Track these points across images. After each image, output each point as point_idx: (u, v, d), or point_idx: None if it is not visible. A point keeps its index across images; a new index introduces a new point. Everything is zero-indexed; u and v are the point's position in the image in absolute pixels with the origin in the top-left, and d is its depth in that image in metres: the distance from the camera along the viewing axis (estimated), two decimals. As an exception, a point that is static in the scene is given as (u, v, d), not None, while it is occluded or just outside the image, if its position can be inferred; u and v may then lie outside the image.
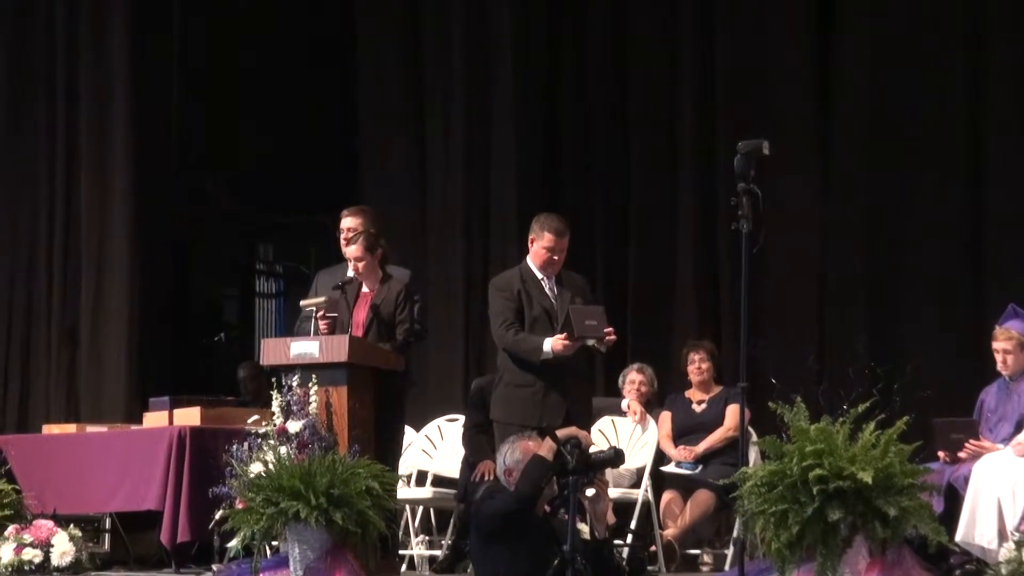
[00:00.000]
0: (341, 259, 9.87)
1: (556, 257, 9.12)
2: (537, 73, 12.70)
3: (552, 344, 8.93)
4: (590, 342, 9.01)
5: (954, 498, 8.56)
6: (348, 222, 9.79)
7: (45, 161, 13.30)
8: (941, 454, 8.85)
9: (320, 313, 9.36)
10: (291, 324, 10.34)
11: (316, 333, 9.31)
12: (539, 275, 9.16)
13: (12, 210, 13.40)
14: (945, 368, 10.64)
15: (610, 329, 8.99)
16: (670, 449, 10.31)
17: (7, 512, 9.29)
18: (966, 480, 8.56)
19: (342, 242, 9.78)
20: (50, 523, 9.15)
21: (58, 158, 13.24)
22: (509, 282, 9.21)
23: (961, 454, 8.75)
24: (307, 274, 10.37)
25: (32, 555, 9.02)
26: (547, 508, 7.70)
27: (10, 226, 13.40)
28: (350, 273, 9.59)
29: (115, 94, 13.02)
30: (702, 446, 10.22)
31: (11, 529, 9.11)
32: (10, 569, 8.94)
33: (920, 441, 7.37)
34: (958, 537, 8.35)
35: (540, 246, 9.14)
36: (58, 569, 9.03)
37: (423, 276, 12.31)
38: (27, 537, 9.06)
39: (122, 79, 13.00)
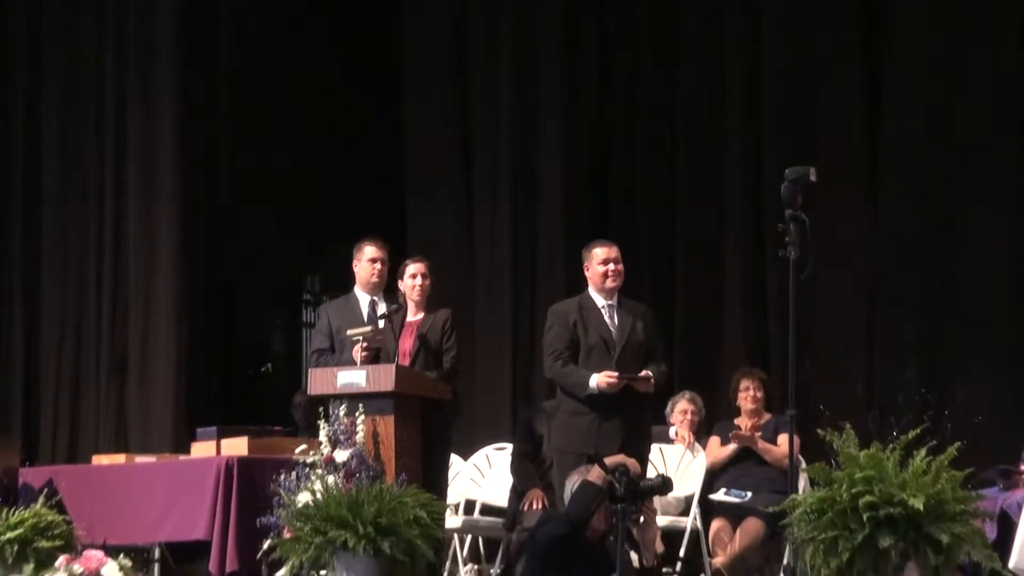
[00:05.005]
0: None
1: (612, 268, 9.15)
2: (584, 104, 12.73)
3: (598, 381, 8.96)
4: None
5: (1007, 525, 8.50)
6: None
7: (94, 197, 13.43)
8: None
9: (363, 343, 9.36)
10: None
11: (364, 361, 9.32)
12: (601, 302, 9.19)
13: (62, 245, 13.51)
14: (996, 394, 10.58)
15: (647, 373, 9.04)
16: (726, 449, 10.25)
17: (58, 542, 9.27)
18: (1019, 506, 8.50)
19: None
20: (100, 553, 9.12)
21: (107, 195, 13.36)
22: (566, 312, 9.24)
23: None
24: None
25: (82, 585, 9.03)
26: (599, 532, 7.68)
27: (60, 261, 13.51)
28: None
29: (161, 131, 13.14)
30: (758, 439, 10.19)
31: (61, 560, 9.10)
32: (60, 599, 8.95)
33: (972, 468, 7.31)
34: (1011, 564, 8.27)
35: (594, 264, 9.20)
36: (108, 599, 9.02)
37: (471, 303, 12.34)
38: (77, 567, 9.04)
39: (168, 116, 13.12)
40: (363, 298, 9.80)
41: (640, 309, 9.35)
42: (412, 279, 9.55)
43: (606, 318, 9.19)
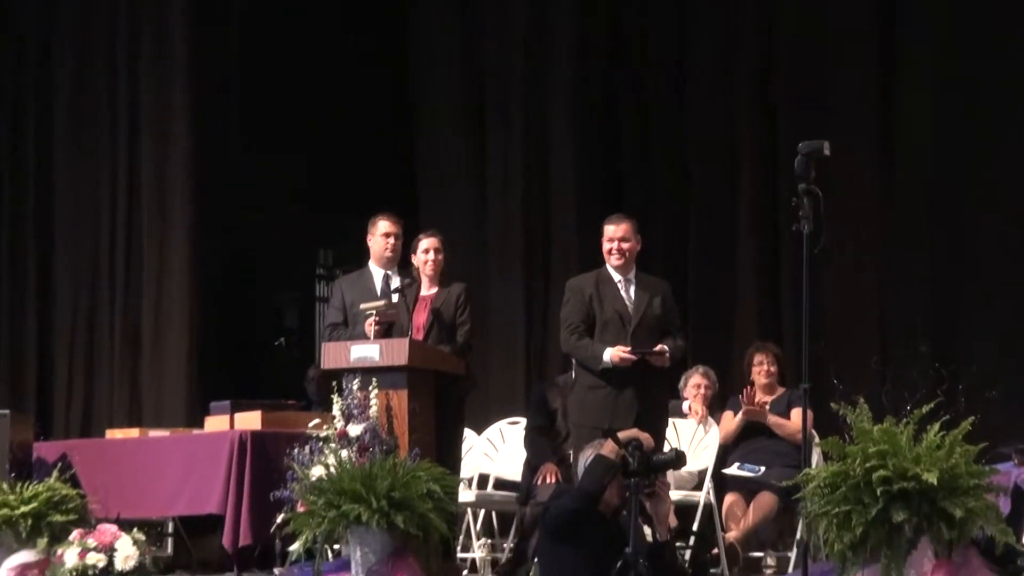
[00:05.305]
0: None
1: (619, 246, 9.13)
2: (596, 76, 12.72)
3: (611, 355, 8.94)
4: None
5: (1021, 499, 8.47)
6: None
7: (108, 171, 13.42)
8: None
9: (376, 317, 9.36)
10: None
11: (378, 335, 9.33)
12: (616, 277, 9.18)
13: (75, 219, 13.51)
14: (1011, 368, 10.56)
15: (662, 347, 9.02)
16: (735, 421, 10.24)
17: (72, 517, 9.31)
18: (1034, 481, 8.48)
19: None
20: (114, 527, 9.15)
21: (120, 169, 13.35)
22: (582, 286, 9.23)
23: None
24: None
25: (96, 559, 9.03)
26: (612, 506, 7.68)
27: (72, 235, 13.51)
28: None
29: (174, 103, 13.13)
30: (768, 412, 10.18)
31: (75, 533, 9.13)
32: (74, 573, 8.94)
33: (986, 442, 7.30)
34: (1026, 538, 8.27)
35: (603, 241, 9.20)
36: (122, 573, 9.02)
37: (484, 278, 12.33)
38: (91, 541, 9.07)
39: (181, 87, 13.12)
40: (377, 272, 9.81)
41: (658, 284, 9.34)
42: (425, 254, 9.55)
43: (622, 292, 9.17)
